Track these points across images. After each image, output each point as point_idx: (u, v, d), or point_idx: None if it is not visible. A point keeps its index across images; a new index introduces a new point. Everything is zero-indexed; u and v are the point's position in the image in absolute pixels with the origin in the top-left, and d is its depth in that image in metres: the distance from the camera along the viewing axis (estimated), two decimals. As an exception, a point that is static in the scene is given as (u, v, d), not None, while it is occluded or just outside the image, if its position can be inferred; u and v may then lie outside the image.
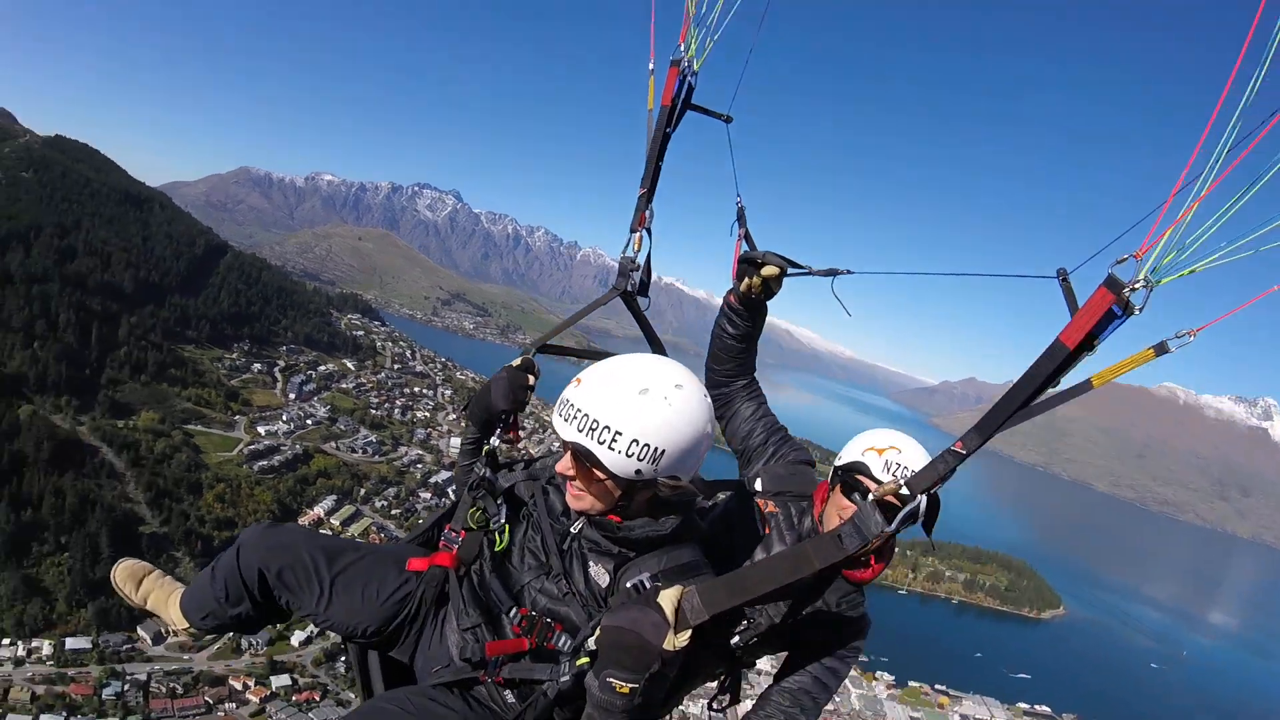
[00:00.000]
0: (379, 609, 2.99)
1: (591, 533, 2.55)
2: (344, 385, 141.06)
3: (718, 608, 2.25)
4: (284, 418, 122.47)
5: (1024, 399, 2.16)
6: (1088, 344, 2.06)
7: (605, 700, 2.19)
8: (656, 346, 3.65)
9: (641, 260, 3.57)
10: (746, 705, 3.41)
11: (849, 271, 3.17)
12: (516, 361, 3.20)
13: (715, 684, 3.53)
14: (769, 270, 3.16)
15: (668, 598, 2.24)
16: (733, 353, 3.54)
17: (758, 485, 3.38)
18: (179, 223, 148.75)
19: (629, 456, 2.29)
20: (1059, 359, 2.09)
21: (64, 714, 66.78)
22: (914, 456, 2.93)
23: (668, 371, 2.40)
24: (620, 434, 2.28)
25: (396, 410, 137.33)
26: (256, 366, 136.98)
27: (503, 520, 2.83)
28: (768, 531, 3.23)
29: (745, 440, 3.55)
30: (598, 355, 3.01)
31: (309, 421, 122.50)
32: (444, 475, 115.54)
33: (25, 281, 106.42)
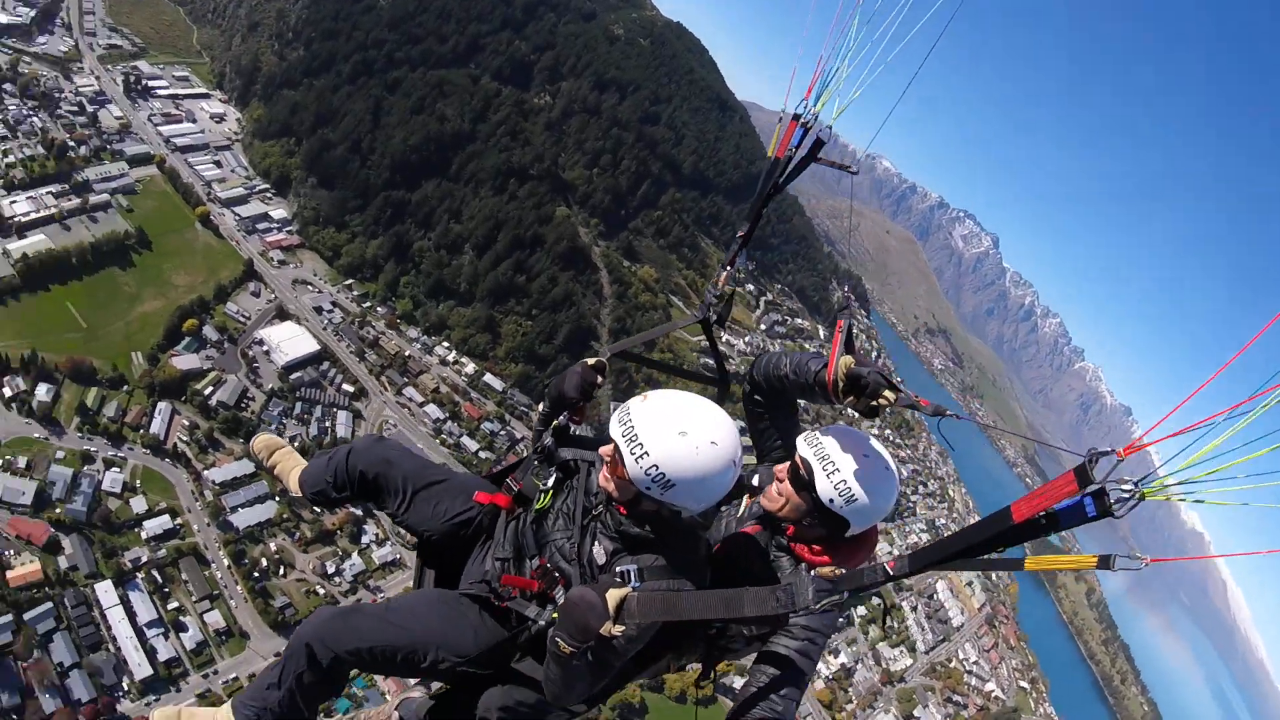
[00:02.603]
0: (443, 524, 3.69)
1: (606, 516, 3.12)
2: (806, 345, 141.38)
3: (648, 618, 2.75)
4: (745, 339, 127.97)
5: (958, 550, 2.09)
6: (1048, 524, 1.90)
7: (554, 652, 2.83)
8: (722, 376, 4.09)
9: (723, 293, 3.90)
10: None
11: (956, 416, 3.10)
12: (591, 361, 3.61)
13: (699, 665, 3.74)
14: (885, 399, 3.01)
15: (614, 595, 2.72)
16: (795, 405, 3.75)
17: (755, 481, 3.70)
18: (748, 139, 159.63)
19: (645, 474, 2.79)
20: (1000, 527, 1.96)
21: (446, 416, 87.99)
22: (837, 451, 3.15)
23: (713, 427, 2.84)
24: (647, 454, 2.77)
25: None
26: (750, 287, 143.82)
27: (549, 485, 3.40)
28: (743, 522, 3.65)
29: (763, 441, 3.83)
30: (665, 368, 3.65)
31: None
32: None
33: (609, 121, 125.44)
